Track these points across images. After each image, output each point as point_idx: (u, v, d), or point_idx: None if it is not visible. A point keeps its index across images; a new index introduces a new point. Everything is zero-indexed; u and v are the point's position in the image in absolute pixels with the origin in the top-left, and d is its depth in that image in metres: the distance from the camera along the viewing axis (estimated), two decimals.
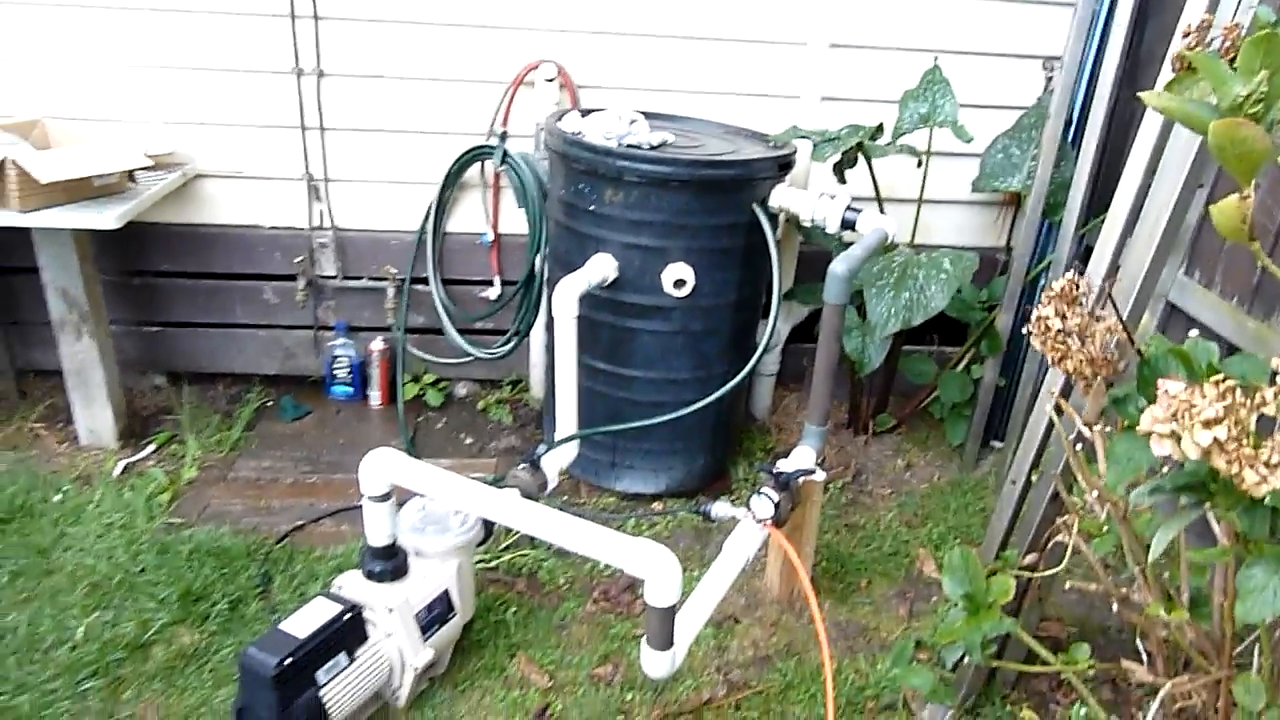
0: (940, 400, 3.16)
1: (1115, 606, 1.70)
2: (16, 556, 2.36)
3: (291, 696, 1.74)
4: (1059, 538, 1.85)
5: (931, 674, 1.91)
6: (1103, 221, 1.82)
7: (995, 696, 2.15)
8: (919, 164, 2.79)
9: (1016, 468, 2.10)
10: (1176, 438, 0.97)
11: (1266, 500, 0.96)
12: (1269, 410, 1.00)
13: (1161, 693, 1.42)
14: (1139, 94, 1.14)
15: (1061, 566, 1.91)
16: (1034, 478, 2.05)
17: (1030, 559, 2.00)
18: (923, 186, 2.87)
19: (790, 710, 2.11)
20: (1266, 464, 0.96)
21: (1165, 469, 1.23)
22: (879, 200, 2.83)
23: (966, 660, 2.17)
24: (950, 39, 2.96)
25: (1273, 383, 1.01)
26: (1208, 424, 0.95)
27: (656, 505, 2.82)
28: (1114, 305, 1.42)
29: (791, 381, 3.38)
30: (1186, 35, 1.33)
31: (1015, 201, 3.17)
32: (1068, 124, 2.81)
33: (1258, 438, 0.98)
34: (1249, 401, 1.01)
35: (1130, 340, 1.31)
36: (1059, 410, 1.68)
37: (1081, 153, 2.74)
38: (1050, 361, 1.28)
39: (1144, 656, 1.74)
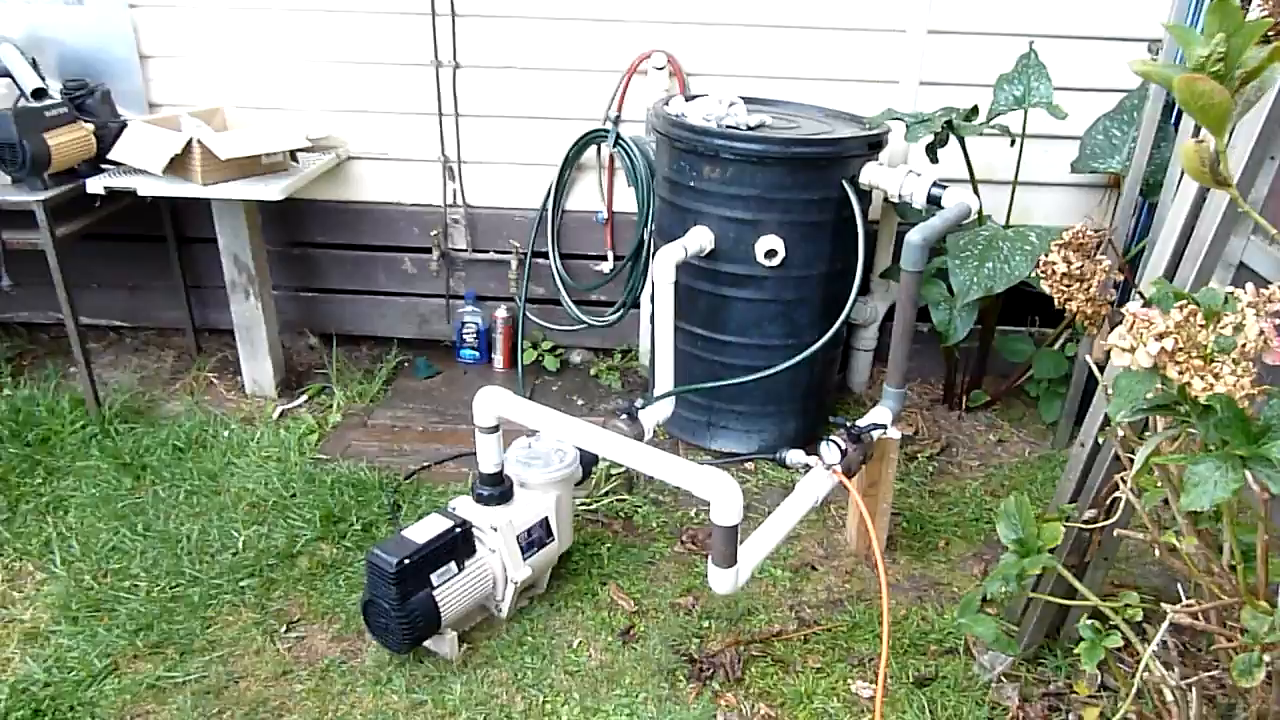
0: (1035, 378, 3.22)
1: (1157, 552, 1.80)
2: (192, 479, 2.77)
3: (410, 592, 2.04)
4: (1116, 494, 1.96)
5: (996, 624, 2.03)
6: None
7: (1058, 649, 2.25)
8: (1012, 144, 2.88)
9: (1085, 431, 2.20)
10: (1133, 350, 1.12)
11: (1205, 400, 1.09)
12: (1225, 330, 1.13)
13: (1168, 619, 1.53)
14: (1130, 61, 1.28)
15: (1115, 518, 2.02)
16: (1100, 440, 2.16)
17: (1090, 514, 2.11)
18: (1017, 167, 2.95)
19: (855, 647, 2.27)
20: (1215, 374, 1.09)
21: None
22: (973, 181, 2.94)
23: (1026, 610, 2.30)
24: (1052, 23, 3.02)
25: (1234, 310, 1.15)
26: (1159, 336, 1.10)
27: (749, 465, 3.01)
28: (1114, 249, 1.54)
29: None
30: (1263, 4, 1.46)
31: (1117, 184, 3.19)
32: (1168, 106, 2.84)
33: (1213, 354, 1.12)
34: (1210, 324, 1.15)
35: (1132, 282, 1.43)
36: (1100, 367, 1.80)
37: (1180, 132, 2.78)
38: (1057, 303, 1.42)
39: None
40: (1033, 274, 1.48)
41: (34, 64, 2.92)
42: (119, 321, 3.67)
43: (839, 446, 2.20)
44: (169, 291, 3.53)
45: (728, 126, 2.68)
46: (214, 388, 3.34)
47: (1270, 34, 1.35)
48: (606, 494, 2.77)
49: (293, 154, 3.03)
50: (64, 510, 2.62)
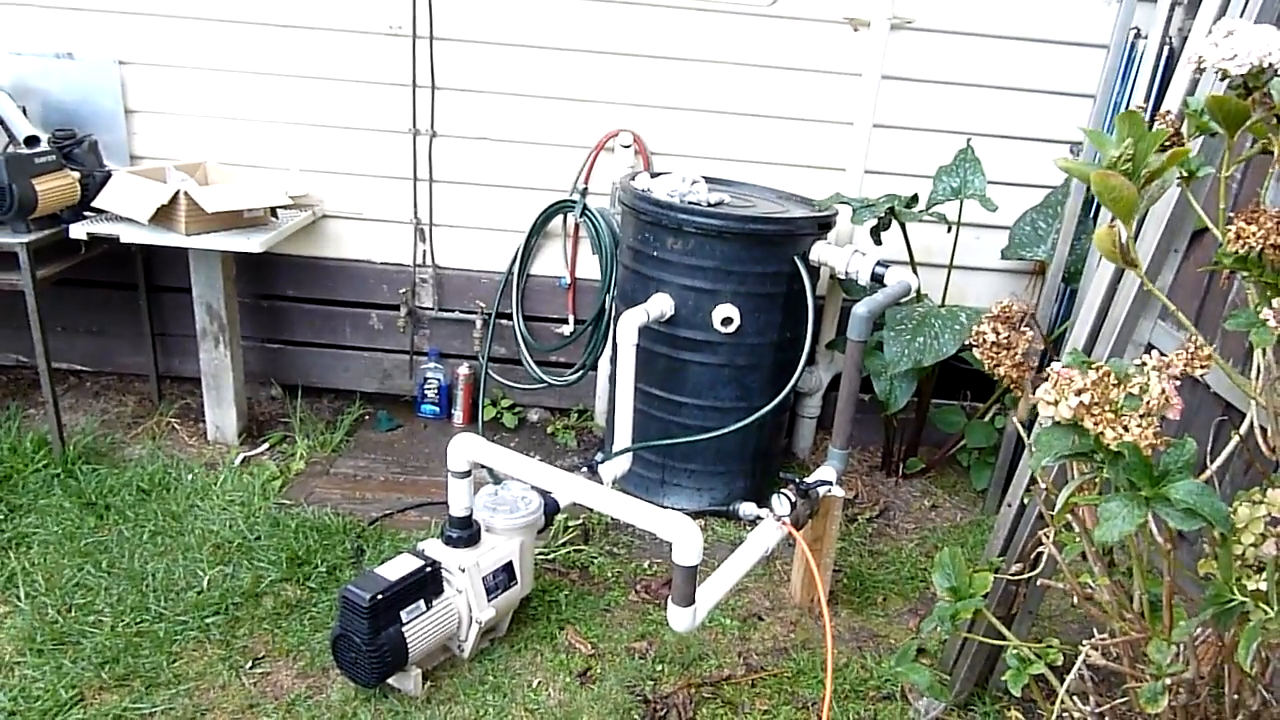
0: (967, 448, 3.44)
1: (1075, 600, 1.98)
2: (156, 519, 2.81)
3: (381, 627, 2.12)
4: (1039, 549, 2.15)
5: (930, 673, 2.19)
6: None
7: (987, 697, 2.41)
8: (948, 230, 3.14)
9: (1012, 493, 2.40)
10: (1056, 404, 1.31)
11: (1115, 447, 1.27)
12: (1134, 388, 1.33)
13: (1082, 656, 1.70)
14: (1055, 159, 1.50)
15: (1039, 570, 2.21)
16: (1025, 501, 2.36)
17: (1016, 567, 2.29)
18: (953, 252, 3.21)
19: (799, 692, 2.40)
20: (1124, 426, 1.29)
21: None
22: (912, 262, 3.18)
23: (958, 660, 2.46)
24: (987, 123, 3.32)
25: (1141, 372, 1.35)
26: (1078, 392, 1.29)
27: (699, 522, 3.14)
28: (1035, 324, 1.75)
29: (833, 425, 3.69)
30: (1161, 119, 1.70)
31: (1042, 271, 3.47)
32: (1088, 202, 3.14)
33: (1123, 409, 1.31)
34: (1121, 385, 1.34)
35: (1053, 351, 1.64)
36: (1025, 427, 2.01)
37: (1098, 226, 3.06)
38: (986, 368, 1.62)
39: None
40: (967, 342, 1.67)
41: (24, 112, 3.02)
42: (80, 365, 3.71)
43: (789, 500, 2.37)
44: (133, 337, 3.58)
45: (690, 202, 2.89)
46: (176, 433, 3.39)
47: (1168, 143, 1.59)
48: (564, 545, 2.89)
49: (273, 210, 3.16)
50: (27, 546, 2.65)
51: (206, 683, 2.24)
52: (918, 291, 3.08)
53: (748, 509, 2.43)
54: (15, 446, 3.06)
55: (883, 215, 3.04)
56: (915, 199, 3.09)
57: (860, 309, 2.50)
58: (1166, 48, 2.98)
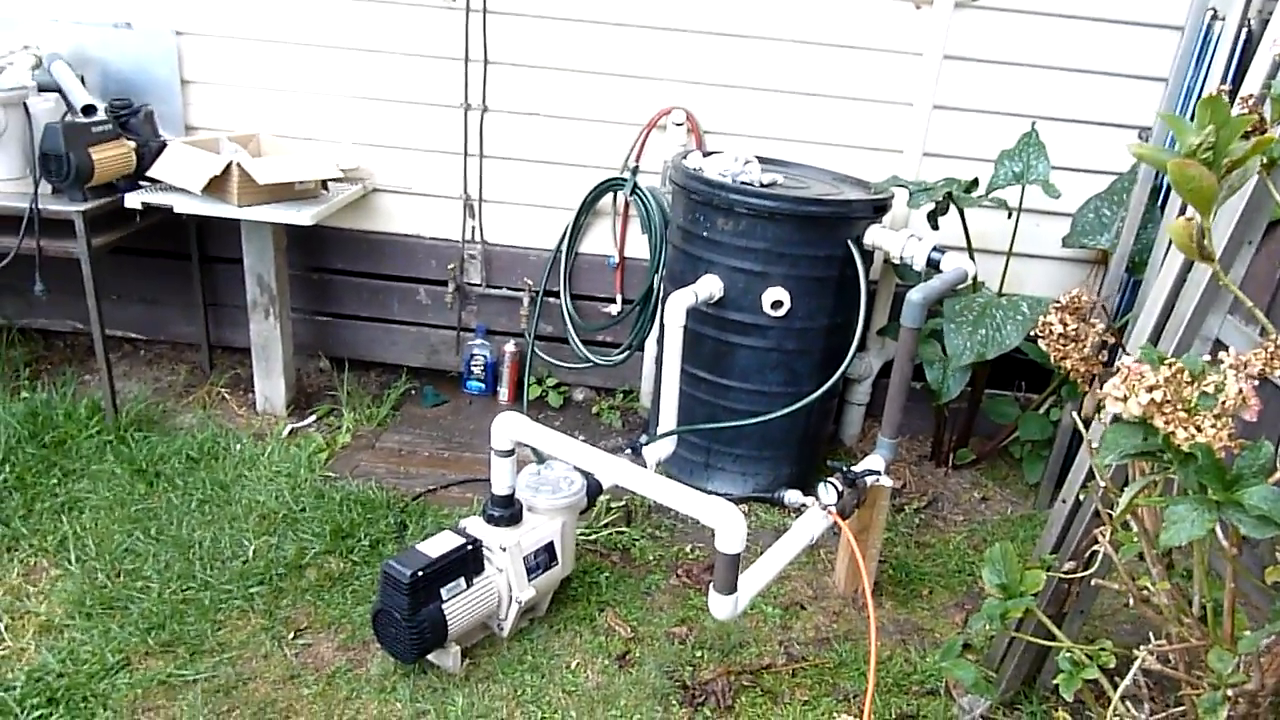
0: (1020, 440, 3.35)
1: (1131, 601, 1.92)
2: (204, 488, 2.85)
3: (421, 604, 2.12)
4: (1095, 547, 2.08)
5: (976, 669, 2.13)
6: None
7: (1034, 696, 2.35)
8: (1009, 216, 3.05)
9: (1067, 488, 2.33)
10: (1125, 400, 1.25)
11: (1187, 448, 1.21)
12: (1208, 387, 1.27)
13: (1138, 661, 1.64)
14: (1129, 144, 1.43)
15: (1093, 569, 2.14)
16: (1081, 497, 2.28)
17: (1070, 565, 2.22)
18: (1013, 239, 3.12)
19: (840, 684, 2.36)
20: (1197, 426, 1.22)
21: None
22: (969, 248, 3.10)
23: (1005, 658, 2.40)
24: (1051, 106, 3.21)
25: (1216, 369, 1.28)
26: (1150, 389, 1.23)
27: (742, 508, 3.11)
28: (1106, 314, 1.68)
29: (882, 413, 3.62)
30: (1243, 103, 1.62)
31: (1105, 260, 3.36)
32: (1155, 190, 3.02)
33: (1197, 408, 1.25)
34: (1195, 381, 1.28)
35: (1120, 344, 1.57)
36: (1087, 424, 1.94)
37: (1166, 215, 2.96)
38: (1053, 360, 1.55)
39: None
40: (1032, 333, 1.61)
41: (81, 81, 3.05)
42: (134, 334, 3.76)
43: (836, 488, 2.32)
44: (186, 307, 3.63)
45: (743, 183, 2.84)
46: (226, 403, 3.43)
47: (1250, 130, 1.51)
48: (605, 526, 2.87)
49: (323, 183, 3.16)
50: (79, 511, 2.69)
51: (249, 652, 2.27)
52: (974, 279, 3.00)
53: (793, 496, 2.39)
54: (70, 412, 3.11)
55: (940, 200, 2.96)
56: (975, 183, 3.00)
57: (915, 295, 2.43)
58: (1245, 30, 2.85)
